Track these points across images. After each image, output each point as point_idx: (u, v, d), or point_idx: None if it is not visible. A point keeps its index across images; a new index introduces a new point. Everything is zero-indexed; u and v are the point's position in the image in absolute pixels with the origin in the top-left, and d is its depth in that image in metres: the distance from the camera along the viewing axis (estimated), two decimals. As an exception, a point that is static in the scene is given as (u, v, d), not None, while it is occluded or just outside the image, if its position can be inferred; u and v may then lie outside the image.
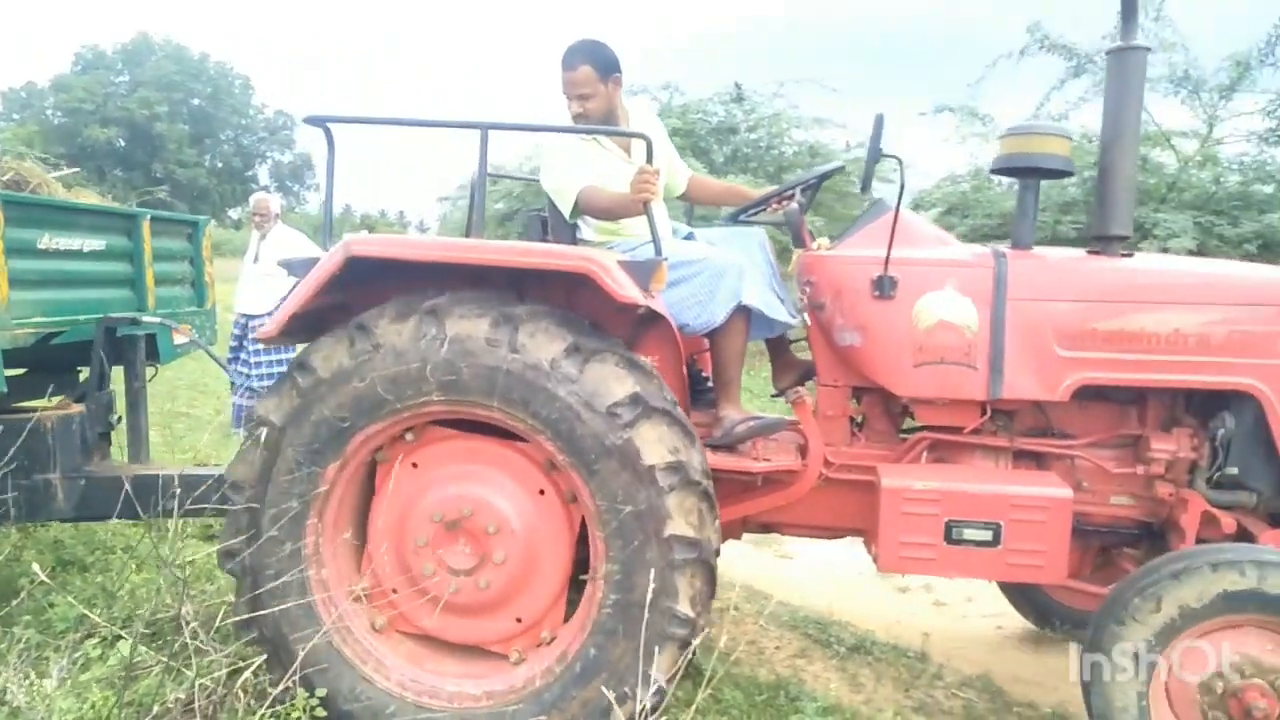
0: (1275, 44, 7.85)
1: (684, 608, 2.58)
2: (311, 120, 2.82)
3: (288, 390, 2.70)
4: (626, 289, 2.58)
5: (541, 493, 2.78)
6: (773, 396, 3.62)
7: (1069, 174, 3.13)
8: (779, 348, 3.54)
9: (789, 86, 12.10)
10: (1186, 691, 2.57)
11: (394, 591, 2.83)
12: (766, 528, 3.38)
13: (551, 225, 3.34)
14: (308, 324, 2.78)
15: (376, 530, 2.83)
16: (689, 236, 3.43)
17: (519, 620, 2.82)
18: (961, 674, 3.69)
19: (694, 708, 2.75)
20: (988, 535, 2.80)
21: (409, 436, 2.79)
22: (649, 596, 2.50)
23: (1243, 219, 7.29)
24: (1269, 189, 7.77)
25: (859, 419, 3.28)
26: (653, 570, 2.55)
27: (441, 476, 2.79)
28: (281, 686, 2.62)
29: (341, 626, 2.75)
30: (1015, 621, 4.15)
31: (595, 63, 3.13)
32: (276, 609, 2.70)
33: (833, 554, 4.51)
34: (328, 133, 2.87)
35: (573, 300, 2.88)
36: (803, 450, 3.13)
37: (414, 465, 2.81)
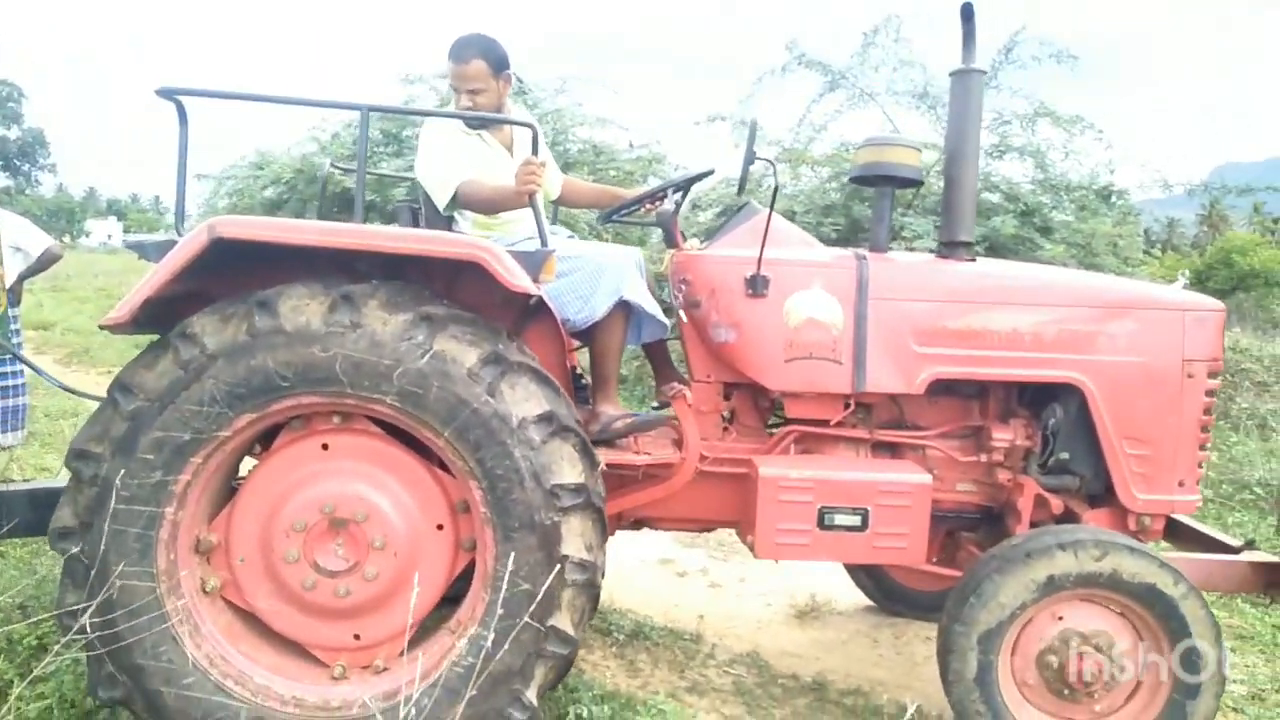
0: (998, 70, 8.90)
1: (531, 695, 2.57)
2: (163, 92, 2.58)
3: (237, 323, 2.46)
4: (517, 277, 2.53)
5: (440, 528, 2.67)
6: (655, 408, 3.64)
7: (920, 183, 3.37)
8: (661, 358, 3.58)
9: (572, 83, 12.03)
10: (1032, 647, 2.85)
11: (241, 560, 2.63)
12: (639, 524, 3.40)
13: (426, 217, 3.23)
14: (159, 311, 2.53)
15: (251, 492, 2.64)
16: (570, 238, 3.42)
17: (357, 637, 2.68)
18: (732, 651, 3.88)
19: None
20: (857, 520, 2.95)
21: (336, 419, 2.62)
22: (503, 676, 2.52)
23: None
24: (995, 197, 8.76)
25: (728, 414, 3.37)
26: (521, 651, 2.53)
27: (349, 470, 2.63)
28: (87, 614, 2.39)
29: (174, 573, 2.53)
30: (782, 599, 4.43)
31: (489, 58, 3.11)
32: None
33: (613, 545, 4.67)
34: (180, 108, 2.64)
35: (454, 290, 2.80)
36: (679, 444, 3.18)
37: (324, 446, 2.64)
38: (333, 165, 3.87)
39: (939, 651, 2.91)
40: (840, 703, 3.47)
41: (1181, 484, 3.16)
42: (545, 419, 2.52)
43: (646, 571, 4.75)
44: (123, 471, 2.42)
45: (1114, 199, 9.05)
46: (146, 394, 2.44)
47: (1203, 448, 3.19)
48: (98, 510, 2.43)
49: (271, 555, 2.60)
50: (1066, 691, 2.84)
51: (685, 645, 3.90)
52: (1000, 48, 8.91)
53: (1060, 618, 2.85)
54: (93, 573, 2.43)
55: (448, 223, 3.17)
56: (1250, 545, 3.31)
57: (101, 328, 2.52)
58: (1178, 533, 3.42)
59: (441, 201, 3.04)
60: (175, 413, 2.43)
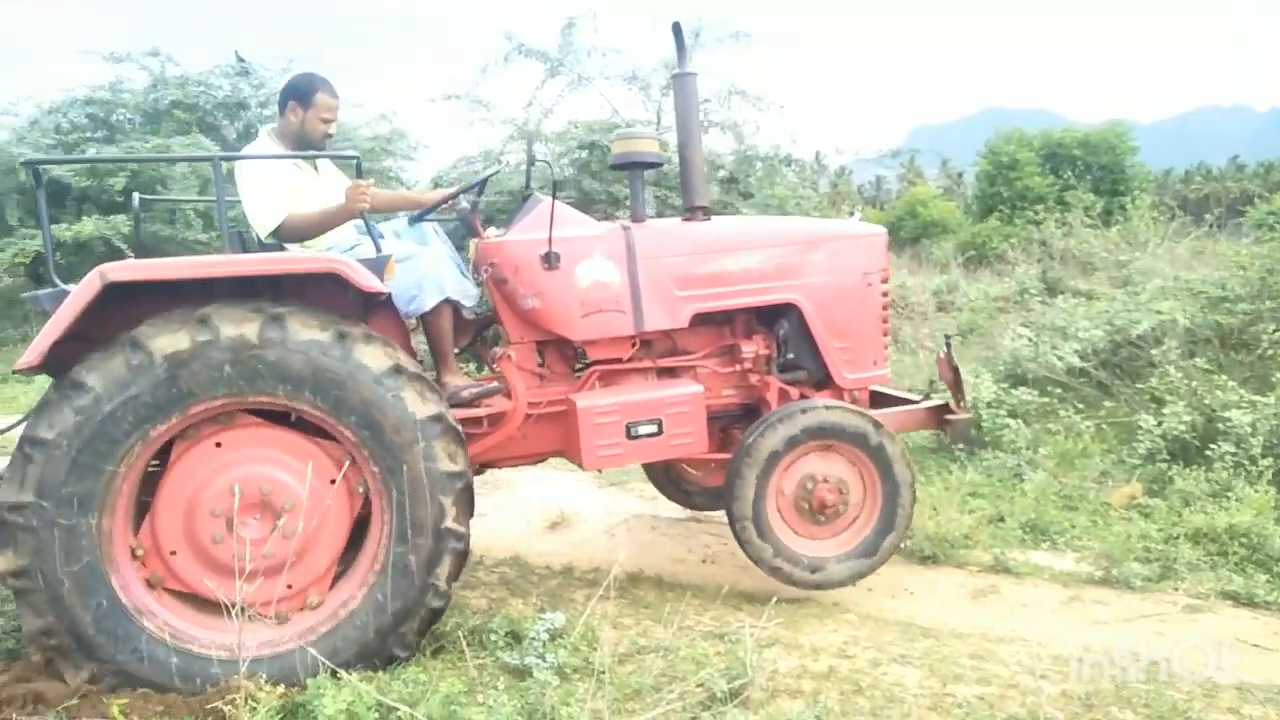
0: (692, 52, 10.19)
1: (443, 584, 3.28)
2: (25, 164, 2.98)
3: (120, 358, 2.92)
4: (371, 281, 3.19)
5: (333, 482, 3.27)
6: (457, 353, 4.33)
7: (661, 164, 4.29)
8: (455, 312, 4.25)
9: (298, 63, 12.18)
10: (790, 486, 3.93)
11: (173, 553, 3.13)
12: (484, 467, 4.14)
13: (259, 242, 3.75)
14: (64, 352, 2.94)
15: (166, 497, 3.11)
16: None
17: (290, 586, 3.25)
18: (497, 558, 4.75)
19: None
20: (654, 429, 3.87)
21: (222, 420, 3.14)
22: (419, 573, 3.20)
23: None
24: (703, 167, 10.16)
25: (542, 366, 4.16)
26: (426, 553, 3.22)
27: (245, 457, 3.17)
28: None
29: (124, 578, 3.02)
30: (538, 517, 5.41)
31: None
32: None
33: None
34: (36, 174, 3.03)
35: (305, 300, 3.36)
36: (509, 396, 3.96)
37: (217, 445, 3.15)
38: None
39: (725, 502, 3.93)
40: (583, 579, 4.43)
41: (875, 363, 4.35)
42: (396, 371, 3.17)
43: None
44: (55, 509, 2.87)
45: (792, 164, 10.71)
46: (56, 439, 2.87)
47: (885, 335, 4.40)
48: (41, 550, 2.87)
49: (199, 541, 3.12)
50: (815, 514, 3.96)
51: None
52: (690, 32, 10.23)
53: (805, 462, 3.94)
54: (56, 601, 2.89)
55: (277, 244, 3.73)
56: (927, 397, 4.60)
57: (15, 372, 2.91)
58: (882, 400, 4.66)
59: (263, 235, 3.63)
60: (88, 449, 2.90)
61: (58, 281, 3.08)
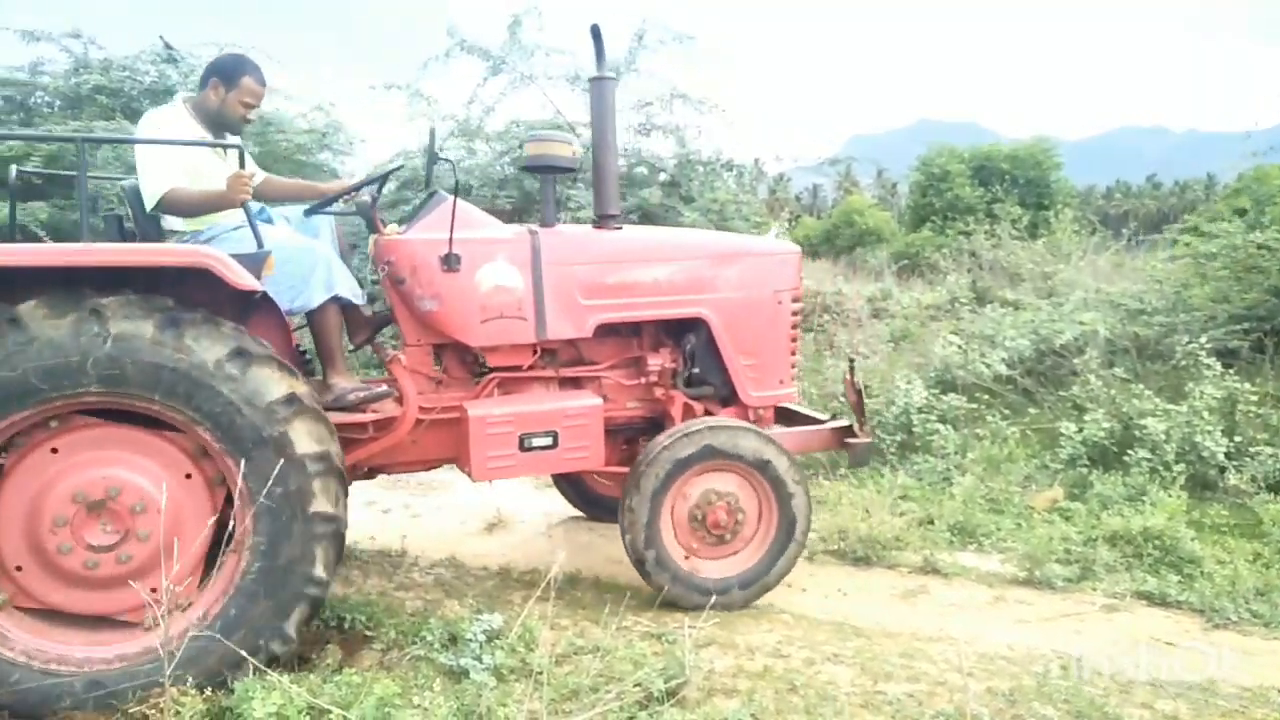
0: (636, 54, 10.20)
1: (320, 572, 3.10)
2: None
3: None
4: (244, 278, 3.00)
5: (188, 477, 3.06)
6: (352, 351, 4.13)
7: (574, 170, 4.16)
8: (351, 309, 4.03)
9: (228, 50, 11.82)
10: (684, 508, 3.88)
11: (18, 569, 2.90)
12: (373, 471, 3.98)
13: (136, 219, 3.54)
14: None
15: (2, 512, 2.88)
16: (266, 217, 3.81)
17: (154, 590, 2.98)
18: (432, 559, 4.65)
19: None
20: (549, 441, 3.76)
21: (53, 424, 2.90)
22: (290, 563, 3.00)
23: (628, 194, 9.48)
24: (644, 170, 10.19)
25: (439, 370, 4.01)
26: (296, 541, 3.03)
27: (85, 461, 2.93)
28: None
29: None
30: (475, 518, 5.34)
31: None
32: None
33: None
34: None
35: (180, 293, 3.15)
36: (400, 401, 3.80)
37: (53, 450, 2.92)
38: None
39: (621, 514, 3.85)
40: (521, 580, 4.36)
41: (781, 382, 4.30)
42: (236, 354, 2.94)
43: (351, 513, 5.32)
44: None
45: (734, 170, 10.71)
46: None
47: (793, 354, 4.34)
48: None
49: (46, 554, 2.89)
50: (709, 535, 3.90)
51: (392, 559, 4.60)
52: (633, 34, 10.12)
53: (698, 483, 3.88)
54: None
55: (156, 222, 3.52)
56: (834, 418, 4.57)
57: None
58: (790, 417, 4.62)
59: (148, 205, 3.44)
60: None
61: None
